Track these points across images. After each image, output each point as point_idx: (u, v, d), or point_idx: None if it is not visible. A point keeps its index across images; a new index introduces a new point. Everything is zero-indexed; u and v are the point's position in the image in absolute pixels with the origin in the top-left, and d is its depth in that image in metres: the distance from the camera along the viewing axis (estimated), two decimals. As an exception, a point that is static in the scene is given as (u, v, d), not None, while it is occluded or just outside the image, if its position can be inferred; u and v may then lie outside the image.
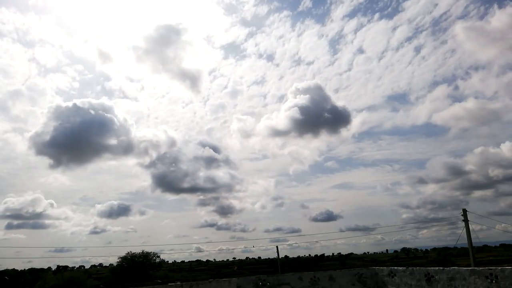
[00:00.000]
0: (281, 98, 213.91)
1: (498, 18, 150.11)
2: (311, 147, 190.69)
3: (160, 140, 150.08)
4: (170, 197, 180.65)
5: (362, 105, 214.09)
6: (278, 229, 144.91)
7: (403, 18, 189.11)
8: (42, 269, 70.25)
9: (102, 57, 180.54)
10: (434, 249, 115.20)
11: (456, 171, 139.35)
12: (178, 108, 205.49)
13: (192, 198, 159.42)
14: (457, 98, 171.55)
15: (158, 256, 43.86)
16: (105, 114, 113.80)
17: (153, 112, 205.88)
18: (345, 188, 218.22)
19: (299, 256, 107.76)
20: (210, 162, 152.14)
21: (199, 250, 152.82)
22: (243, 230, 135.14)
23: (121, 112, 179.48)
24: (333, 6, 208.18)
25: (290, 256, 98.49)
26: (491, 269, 7.29)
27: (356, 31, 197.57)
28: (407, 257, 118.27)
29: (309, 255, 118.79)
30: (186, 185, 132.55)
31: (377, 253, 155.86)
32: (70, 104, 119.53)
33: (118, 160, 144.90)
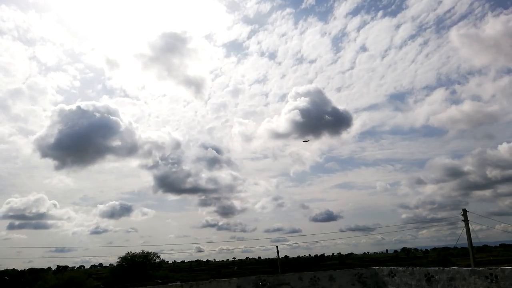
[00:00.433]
0: (283, 97, 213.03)
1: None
2: (312, 148, 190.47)
3: (161, 140, 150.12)
4: (171, 197, 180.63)
5: (364, 104, 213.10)
6: (278, 229, 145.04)
7: (407, 16, 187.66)
8: (42, 269, 70.24)
9: (109, 63, 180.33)
10: (434, 249, 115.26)
11: (457, 171, 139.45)
12: (179, 107, 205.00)
13: (193, 198, 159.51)
14: (456, 99, 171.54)
15: (158, 256, 43.91)
16: (107, 116, 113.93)
17: (154, 111, 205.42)
18: (346, 188, 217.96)
19: (299, 256, 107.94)
20: (211, 162, 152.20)
21: (199, 250, 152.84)
22: (243, 230, 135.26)
23: (122, 111, 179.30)
24: (336, 4, 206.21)
25: (290, 256, 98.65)
26: (491, 269, 7.29)
27: (359, 29, 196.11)
28: (407, 257, 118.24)
29: (309, 255, 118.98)
30: (186, 185, 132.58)
31: (377, 253, 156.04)
32: (73, 106, 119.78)
33: (120, 160, 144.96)
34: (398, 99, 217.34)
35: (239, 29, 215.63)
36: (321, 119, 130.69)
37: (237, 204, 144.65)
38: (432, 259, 62.24)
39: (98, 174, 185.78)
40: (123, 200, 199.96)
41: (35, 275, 56.01)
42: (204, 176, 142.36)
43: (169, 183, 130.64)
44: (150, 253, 42.88)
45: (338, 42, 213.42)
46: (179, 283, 10.57)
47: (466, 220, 23.82)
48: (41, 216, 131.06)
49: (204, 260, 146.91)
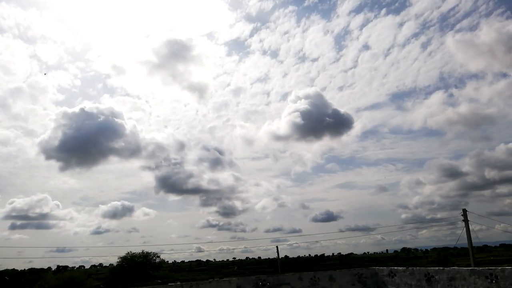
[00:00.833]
0: (285, 96, 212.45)
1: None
2: (313, 148, 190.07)
3: (162, 140, 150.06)
4: (172, 197, 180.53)
5: (366, 103, 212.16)
6: (278, 229, 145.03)
7: (411, 13, 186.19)
8: (42, 269, 70.24)
9: (115, 69, 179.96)
10: (434, 249, 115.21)
11: (457, 172, 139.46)
12: (180, 106, 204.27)
13: (193, 198, 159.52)
14: (456, 101, 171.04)
15: (158, 256, 43.90)
16: (108, 116, 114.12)
17: (155, 110, 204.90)
18: (347, 187, 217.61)
19: (299, 256, 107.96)
20: (212, 162, 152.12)
21: (200, 250, 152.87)
22: (243, 230, 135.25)
23: (122, 110, 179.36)
24: (339, 1, 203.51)
25: (290, 256, 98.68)
26: (491, 269, 7.29)
27: (362, 27, 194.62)
28: (407, 257, 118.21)
29: (309, 255, 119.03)
30: (187, 185, 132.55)
31: (377, 253, 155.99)
32: (77, 109, 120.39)
33: (121, 160, 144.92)
34: (401, 98, 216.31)
35: (241, 27, 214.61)
36: (322, 121, 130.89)
37: (237, 204, 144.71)
38: (432, 259, 62.25)
39: (99, 174, 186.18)
40: (124, 200, 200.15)
41: (35, 275, 56.01)
42: (204, 176, 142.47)
43: (170, 183, 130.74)
44: (150, 253, 42.92)
45: (340, 40, 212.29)
46: (179, 283, 10.57)
47: (466, 220, 23.82)
48: (43, 216, 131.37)
49: (204, 260, 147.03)
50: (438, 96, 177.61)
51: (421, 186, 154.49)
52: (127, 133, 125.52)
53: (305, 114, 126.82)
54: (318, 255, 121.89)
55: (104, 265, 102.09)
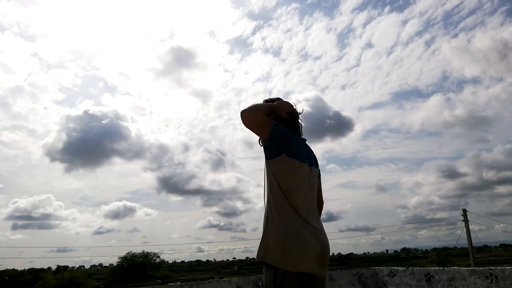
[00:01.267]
0: (286, 95, 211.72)
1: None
2: (315, 149, 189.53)
3: (163, 140, 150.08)
4: (173, 197, 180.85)
5: (368, 102, 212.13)
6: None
7: (415, 11, 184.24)
8: (42, 269, 70.23)
9: (122, 75, 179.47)
10: (434, 249, 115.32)
11: (457, 172, 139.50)
12: (182, 105, 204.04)
13: (194, 198, 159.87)
14: (461, 99, 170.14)
15: (158, 256, 43.94)
16: (109, 116, 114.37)
17: (156, 109, 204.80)
18: (348, 187, 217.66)
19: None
20: (212, 161, 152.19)
21: (200, 250, 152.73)
22: (244, 230, 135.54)
23: (123, 109, 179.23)
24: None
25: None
26: (491, 269, 7.29)
27: (365, 24, 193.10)
28: (407, 257, 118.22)
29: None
30: (188, 185, 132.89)
31: (377, 253, 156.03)
32: (79, 111, 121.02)
33: (122, 160, 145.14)
34: (403, 97, 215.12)
35: (243, 24, 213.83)
36: (323, 123, 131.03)
37: (238, 204, 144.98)
38: (432, 259, 62.31)
39: (100, 175, 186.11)
40: (125, 200, 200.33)
41: (35, 275, 56.03)
42: (205, 176, 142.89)
43: (170, 183, 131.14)
44: (150, 253, 42.96)
45: (343, 38, 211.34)
46: (179, 283, 10.55)
47: (466, 220, 23.83)
48: (45, 216, 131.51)
49: (204, 260, 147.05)
50: (440, 95, 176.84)
51: (422, 186, 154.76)
52: (128, 132, 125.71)
53: (306, 116, 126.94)
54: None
55: (104, 265, 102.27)
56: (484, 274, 7.63)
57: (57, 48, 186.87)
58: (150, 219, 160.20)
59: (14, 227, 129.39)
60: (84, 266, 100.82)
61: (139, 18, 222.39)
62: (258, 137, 2.40)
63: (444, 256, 60.67)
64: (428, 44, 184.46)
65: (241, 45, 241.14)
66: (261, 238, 2.37)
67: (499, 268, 7.30)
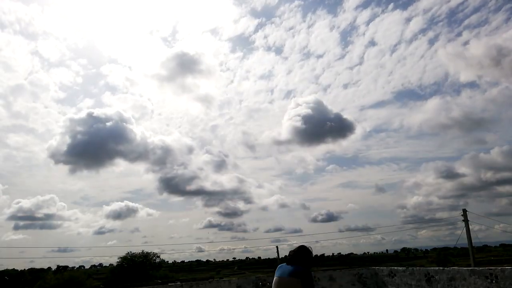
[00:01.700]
0: (288, 94, 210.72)
1: None
2: (316, 149, 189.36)
3: (164, 139, 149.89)
4: (174, 197, 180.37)
5: (371, 101, 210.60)
6: (279, 229, 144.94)
7: (419, 8, 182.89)
8: (42, 269, 70.26)
9: (128, 80, 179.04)
10: (434, 249, 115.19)
11: (458, 172, 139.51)
12: (183, 104, 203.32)
13: (195, 198, 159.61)
14: (460, 100, 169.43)
15: (158, 256, 43.91)
16: (112, 118, 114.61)
17: (157, 108, 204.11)
18: (349, 187, 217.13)
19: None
20: (213, 161, 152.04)
21: (200, 250, 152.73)
22: (244, 231, 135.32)
23: (124, 108, 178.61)
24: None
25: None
26: (491, 269, 7.29)
27: (368, 22, 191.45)
28: (407, 257, 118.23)
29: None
30: (188, 185, 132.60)
31: (377, 253, 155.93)
32: (81, 112, 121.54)
33: (122, 160, 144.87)
34: (405, 96, 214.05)
35: (246, 22, 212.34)
36: (324, 125, 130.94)
37: (238, 204, 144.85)
38: (432, 259, 62.26)
39: (100, 175, 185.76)
40: (126, 200, 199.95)
41: (35, 275, 56.02)
42: (206, 176, 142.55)
43: (171, 183, 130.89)
44: (150, 253, 42.93)
45: (346, 36, 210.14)
46: (179, 283, 10.55)
47: (466, 220, 23.81)
48: (47, 216, 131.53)
49: (204, 260, 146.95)
50: (443, 95, 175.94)
51: (422, 186, 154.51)
52: (129, 132, 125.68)
53: (307, 118, 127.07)
54: (318, 255, 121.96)
55: (104, 265, 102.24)
56: (484, 274, 7.62)
57: (58, 46, 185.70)
58: (151, 219, 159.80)
59: (16, 227, 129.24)
60: (84, 266, 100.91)
61: (140, 15, 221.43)
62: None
63: (444, 256, 60.61)
64: (431, 42, 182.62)
65: (243, 43, 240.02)
66: None
67: (499, 268, 7.30)
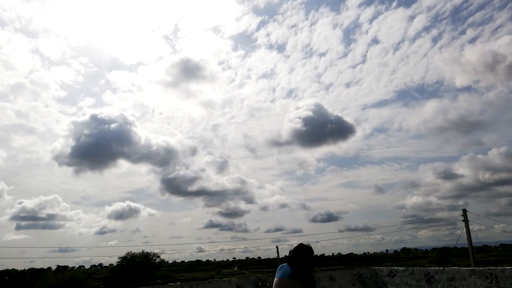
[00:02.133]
0: (290, 93, 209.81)
1: None
2: (317, 149, 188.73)
3: (165, 139, 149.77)
4: (174, 197, 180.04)
5: (373, 100, 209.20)
6: (279, 229, 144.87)
7: (423, 6, 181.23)
8: (42, 269, 70.27)
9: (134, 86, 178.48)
10: (434, 249, 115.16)
11: (459, 172, 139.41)
12: (184, 102, 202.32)
13: (195, 198, 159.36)
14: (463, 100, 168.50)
15: (158, 256, 43.87)
16: (116, 121, 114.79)
17: (158, 107, 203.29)
18: (350, 187, 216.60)
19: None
20: (214, 161, 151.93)
21: (200, 250, 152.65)
22: (244, 231, 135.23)
23: (125, 107, 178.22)
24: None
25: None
26: (491, 269, 7.29)
27: (372, 20, 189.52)
28: (407, 257, 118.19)
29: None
30: (189, 185, 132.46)
31: (377, 253, 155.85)
32: (82, 111, 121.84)
33: (126, 162, 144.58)
34: (408, 95, 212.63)
35: (248, 20, 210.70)
36: (325, 127, 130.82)
37: (239, 204, 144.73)
38: (432, 259, 62.24)
39: (103, 176, 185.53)
40: (127, 200, 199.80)
41: (35, 275, 56.03)
42: (207, 176, 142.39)
43: (171, 183, 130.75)
44: (150, 253, 42.89)
45: (350, 34, 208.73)
46: (179, 283, 10.55)
47: (466, 220, 23.81)
48: (49, 216, 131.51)
49: (204, 260, 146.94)
50: (445, 94, 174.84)
51: (423, 186, 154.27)
52: (130, 132, 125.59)
53: (308, 120, 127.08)
54: (318, 255, 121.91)
55: (104, 265, 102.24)
56: (484, 274, 7.62)
57: (59, 44, 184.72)
58: (152, 219, 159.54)
59: (18, 227, 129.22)
60: (84, 266, 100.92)
61: (142, 13, 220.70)
62: None
63: (444, 256, 60.60)
64: (435, 40, 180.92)
65: (245, 41, 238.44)
66: None
67: (499, 268, 7.30)
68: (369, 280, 10.85)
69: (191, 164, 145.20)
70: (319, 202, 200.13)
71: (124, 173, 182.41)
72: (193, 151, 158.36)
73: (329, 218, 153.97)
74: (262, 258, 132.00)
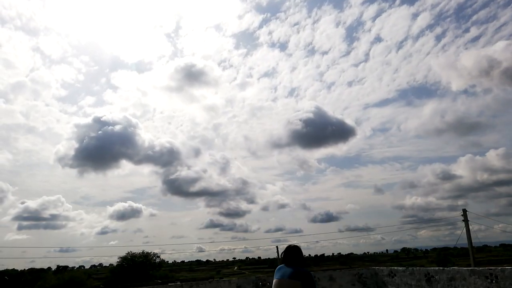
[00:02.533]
0: (292, 91, 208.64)
1: None
2: (318, 150, 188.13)
3: (166, 138, 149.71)
4: (175, 197, 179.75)
5: (375, 99, 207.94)
6: (279, 229, 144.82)
7: (427, 3, 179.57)
8: (42, 269, 70.25)
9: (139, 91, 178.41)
10: (434, 249, 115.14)
11: (459, 173, 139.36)
12: (188, 106, 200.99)
13: (196, 197, 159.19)
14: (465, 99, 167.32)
15: (158, 256, 43.87)
16: (117, 121, 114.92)
17: (158, 106, 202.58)
18: (351, 186, 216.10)
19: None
20: (215, 160, 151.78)
21: (201, 250, 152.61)
22: (245, 231, 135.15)
23: (125, 106, 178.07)
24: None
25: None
26: (491, 269, 7.28)
27: (375, 17, 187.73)
28: (407, 257, 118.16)
29: (309, 255, 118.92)
30: (190, 185, 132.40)
31: (377, 253, 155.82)
32: (89, 120, 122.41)
33: (128, 163, 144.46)
34: (411, 94, 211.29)
35: (250, 18, 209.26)
36: (325, 129, 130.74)
37: (239, 204, 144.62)
38: (432, 259, 62.27)
39: (104, 177, 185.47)
40: (128, 200, 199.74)
41: (35, 275, 55.99)
42: (207, 176, 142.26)
43: (172, 183, 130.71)
44: (150, 253, 42.88)
45: (352, 32, 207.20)
46: (179, 283, 10.55)
47: (466, 220, 23.80)
48: (52, 217, 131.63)
49: (204, 260, 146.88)
50: (448, 93, 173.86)
51: (423, 186, 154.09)
52: (131, 132, 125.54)
53: (309, 122, 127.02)
54: (318, 255, 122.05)
55: (104, 265, 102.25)
56: (484, 274, 7.62)
57: (60, 42, 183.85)
58: (153, 219, 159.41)
59: (20, 228, 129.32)
60: (84, 266, 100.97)
61: (143, 10, 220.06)
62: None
63: (444, 256, 60.60)
64: (438, 38, 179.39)
65: (247, 39, 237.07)
66: None
67: (499, 268, 7.30)
68: (369, 280, 10.85)
69: (192, 164, 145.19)
70: (320, 202, 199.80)
71: (127, 174, 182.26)
72: (194, 151, 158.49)
73: (330, 218, 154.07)
74: (262, 258, 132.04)
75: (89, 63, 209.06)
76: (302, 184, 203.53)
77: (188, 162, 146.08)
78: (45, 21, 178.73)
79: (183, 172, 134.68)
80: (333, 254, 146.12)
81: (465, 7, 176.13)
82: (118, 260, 41.55)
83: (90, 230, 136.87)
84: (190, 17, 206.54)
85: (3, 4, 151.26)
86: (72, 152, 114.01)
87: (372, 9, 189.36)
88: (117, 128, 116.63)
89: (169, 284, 10.69)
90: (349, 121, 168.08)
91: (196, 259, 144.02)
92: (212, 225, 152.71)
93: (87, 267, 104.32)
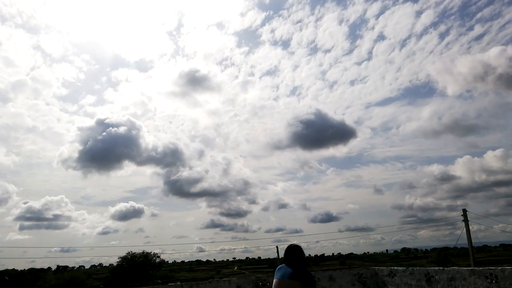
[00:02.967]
0: (294, 90, 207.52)
1: None
2: (318, 150, 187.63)
3: (166, 138, 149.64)
4: (175, 197, 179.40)
5: (377, 98, 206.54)
6: (279, 229, 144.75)
7: (431, 1, 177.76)
8: (42, 269, 70.23)
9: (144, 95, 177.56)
10: (434, 249, 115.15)
11: (459, 173, 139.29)
12: (191, 110, 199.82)
13: (196, 197, 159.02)
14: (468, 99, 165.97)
15: (158, 256, 43.86)
16: (121, 126, 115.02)
17: (159, 105, 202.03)
18: (352, 186, 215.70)
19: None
20: (215, 160, 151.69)
21: (201, 250, 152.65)
22: (245, 231, 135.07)
23: (125, 106, 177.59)
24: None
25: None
26: (491, 269, 7.28)
27: (378, 15, 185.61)
28: (407, 257, 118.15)
29: (309, 255, 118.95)
30: (190, 184, 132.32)
31: (377, 253, 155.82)
32: (83, 110, 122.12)
33: (130, 163, 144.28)
34: (413, 93, 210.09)
35: (253, 15, 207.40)
36: (326, 131, 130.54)
37: (240, 204, 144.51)
38: (432, 259, 62.28)
39: (106, 177, 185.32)
40: (128, 200, 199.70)
41: (35, 275, 55.98)
42: (208, 176, 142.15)
43: (172, 183, 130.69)
44: (150, 253, 42.87)
45: (356, 30, 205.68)
46: (179, 283, 10.55)
47: (466, 220, 23.80)
48: (54, 217, 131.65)
49: (204, 260, 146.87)
50: (451, 93, 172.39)
51: (424, 186, 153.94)
52: (134, 134, 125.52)
53: (309, 123, 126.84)
54: (318, 255, 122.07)
55: (104, 265, 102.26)
56: (484, 274, 7.63)
57: (61, 40, 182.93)
58: (154, 219, 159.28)
59: (21, 228, 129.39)
60: (84, 266, 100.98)
61: (145, 9, 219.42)
62: None
63: (444, 256, 60.60)
64: (442, 36, 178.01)
65: (249, 37, 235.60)
66: None
67: (499, 268, 7.30)
68: (369, 280, 10.85)
69: (194, 165, 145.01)
70: (320, 202, 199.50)
71: (128, 175, 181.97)
72: (196, 151, 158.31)
73: (330, 218, 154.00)
74: (262, 258, 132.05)
75: (90, 61, 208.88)
76: (303, 184, 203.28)
77: (190, 163, 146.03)
78: (46, 19, 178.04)
79: (184, 173, 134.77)
80: (333, 254, 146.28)
81: (470, 4, 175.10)
82: (118, 260, 41.58)
83: (92, 230, 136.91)
84: (192, 15, 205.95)
85: (3, 2, 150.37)
86: (76, 155, 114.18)
87: (376, 6, 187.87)
88: (121, 130, 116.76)
89: (169, 284, 10.68)
90: (351, 121, 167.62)
91: (196, 259, 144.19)
92: (213, 225, 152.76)
93: (87, 267, 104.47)
